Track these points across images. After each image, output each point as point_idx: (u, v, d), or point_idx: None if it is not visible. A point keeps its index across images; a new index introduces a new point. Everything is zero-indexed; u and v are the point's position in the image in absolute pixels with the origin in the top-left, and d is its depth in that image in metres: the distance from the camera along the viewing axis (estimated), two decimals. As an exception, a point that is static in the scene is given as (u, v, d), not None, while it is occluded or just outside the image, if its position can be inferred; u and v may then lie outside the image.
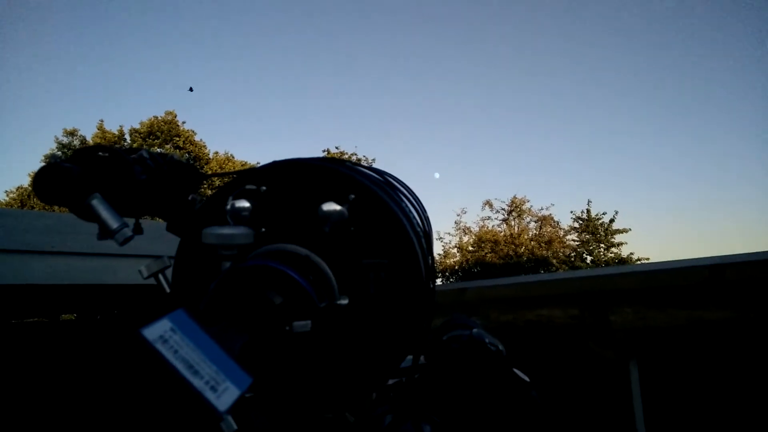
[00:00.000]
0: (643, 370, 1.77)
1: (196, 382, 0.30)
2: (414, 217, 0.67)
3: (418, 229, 0.65)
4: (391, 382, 1.02)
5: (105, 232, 0.61)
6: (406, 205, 0.67)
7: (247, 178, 0.62)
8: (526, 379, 0.77)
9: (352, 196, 0.61)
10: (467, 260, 18.34)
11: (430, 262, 0.66)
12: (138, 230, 0.69)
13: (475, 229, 19.74)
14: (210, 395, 0.30)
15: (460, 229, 19.87)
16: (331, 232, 0.59)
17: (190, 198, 0.68)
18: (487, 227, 19.64)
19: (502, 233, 19.06)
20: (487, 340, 0.78)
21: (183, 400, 0.29)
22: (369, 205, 0.61)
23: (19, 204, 18.19)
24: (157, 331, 0.30)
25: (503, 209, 19.80)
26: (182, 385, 0.30)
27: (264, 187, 0.62)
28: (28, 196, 18.16)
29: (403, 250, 0.61)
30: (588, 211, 18.50)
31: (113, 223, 0.61)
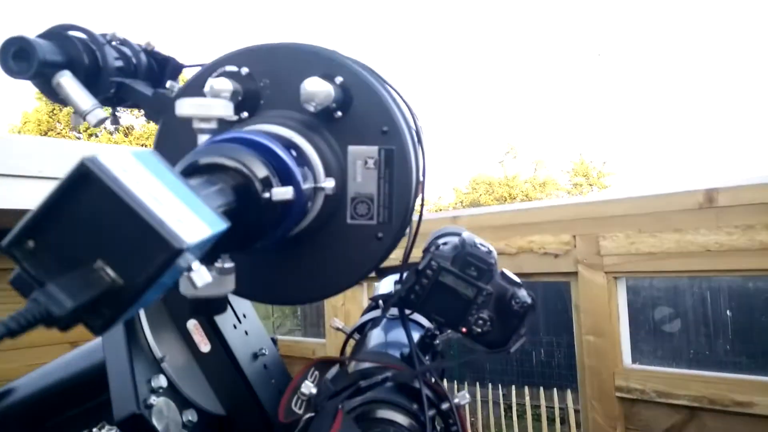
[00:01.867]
0: (631, 292, 1.80)
1: (159, 209, 0.28)
2: (402, 107, 0.64)
3: (407, 121, 0.62)
4: (383, 291, 1.02)
5: (77, 115, 0.58)
6: (395, 94, 0.64)
7: (227, 61, 0.59)
8: (517, 279, 0.77)
9: (340, 79, 0.58)
10: (461, 202, 18.40)
11: (421, 155, 0.64)
12: (115, 122, 0.66)
13: (470, 170, 19.68)
14: (173, 224, 0.27)
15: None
16: (317, 114, 0.56)
17: (168, 85, 0.65)
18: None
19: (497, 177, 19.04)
20: (477, 241, 0.76)
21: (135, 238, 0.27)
22: (357, 90, 0.58)
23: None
24: (115, 159, 0.28)
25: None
26: (137, 217, 0.27)
27: (246, 69, 0.59)
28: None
29: (392, 139, 0.59)
30: (581, 156, 18.54)
31: (85, 103, 0.58)
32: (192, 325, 0.73)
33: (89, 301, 0.26)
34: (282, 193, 0.43)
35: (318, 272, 0.61)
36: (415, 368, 0.73)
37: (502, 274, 0.77)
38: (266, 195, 0.42)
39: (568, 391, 4.86)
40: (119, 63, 0.63)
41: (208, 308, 0.48)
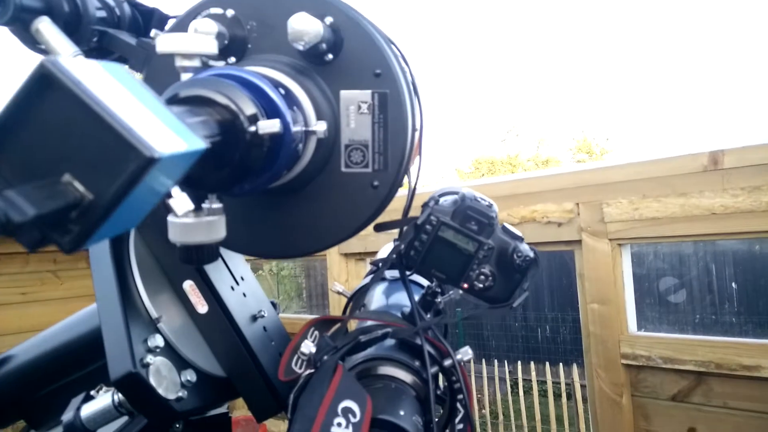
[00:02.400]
0: (636, 264, 1.78)
1: (127, 117, 0.25)
2: (398, 53, 0.62)
3: (401, 65, 0.60)
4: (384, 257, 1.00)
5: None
6: (389, 40, 0.62)
7: (211, 3, 0.57)
8: (519, 233, 0.75)
9: (330, 19, 0.55)
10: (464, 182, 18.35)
11: (417, 103, 0.62)
12: None
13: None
14: (143, 132, 0.25)
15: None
16: (307, 57, 0.54)
17: (153, 34, 0.62)
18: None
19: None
20: (478, 195, 0.75)
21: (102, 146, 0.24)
22: (348, 31, 0.56)
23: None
24: (79, 64, 0.26)
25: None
26: (102, 123, 0.25)
27: (231, 12, 0.56)
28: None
29: (386, 82, 0.56)
30: (583, 132, 18.54)
31: (66, 49, 0.55)
32: (188, 285, 0.72)
33: (54, 212, 0.24)
34: (269, 125, 0.41)
35: (314, 223, 0.60)
36: (416, 325, 0.71)
37: (504, 228, 0.75)
38: (252, 129, 0.40)
39: (574, 366, 4.88)
40: (101, 13, 0.61)
41: (200, 257, 0.47)
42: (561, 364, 5.12)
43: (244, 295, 0.79)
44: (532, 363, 5.20)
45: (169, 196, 0.31)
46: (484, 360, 5.49)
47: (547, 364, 5.09)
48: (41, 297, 2.78)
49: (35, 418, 0.80)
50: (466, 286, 0.74)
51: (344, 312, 0.91)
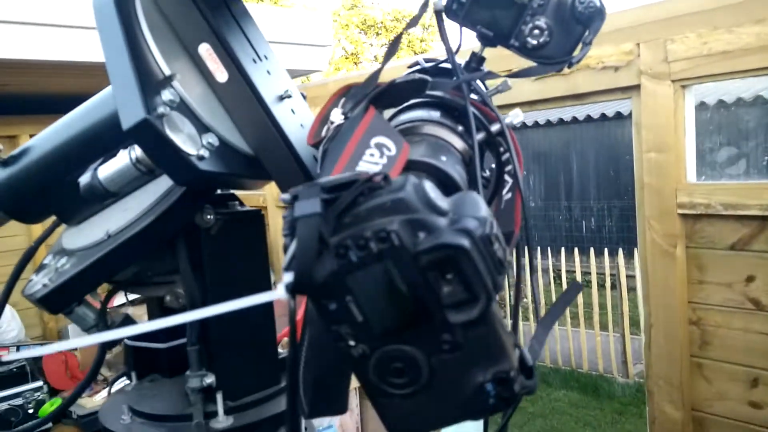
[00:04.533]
0: (699, 100, 1.63)
1: None
2: None
3: None
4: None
5: None
6: None
7: None
8: None
9: None
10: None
11: None
12: None
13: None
14: None
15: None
16: None
17: None
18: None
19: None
20: None
21: None
22: None
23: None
24: None
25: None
26: None
27: None
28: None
29: None
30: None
31: None
32: (204, 50, 0.65)
33: None
34: None
35: None
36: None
37: None
38: None
39: (620, 254, 4.78)
40: None
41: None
42: (606, 251, 5.02)
43: (269, 72, 0.72)
44: (575, 249, 5.11)
45: None
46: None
47: (591, 251, 5.00)
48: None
49: (64, 211, 0.77)
50: (517, 44, 0.65)
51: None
